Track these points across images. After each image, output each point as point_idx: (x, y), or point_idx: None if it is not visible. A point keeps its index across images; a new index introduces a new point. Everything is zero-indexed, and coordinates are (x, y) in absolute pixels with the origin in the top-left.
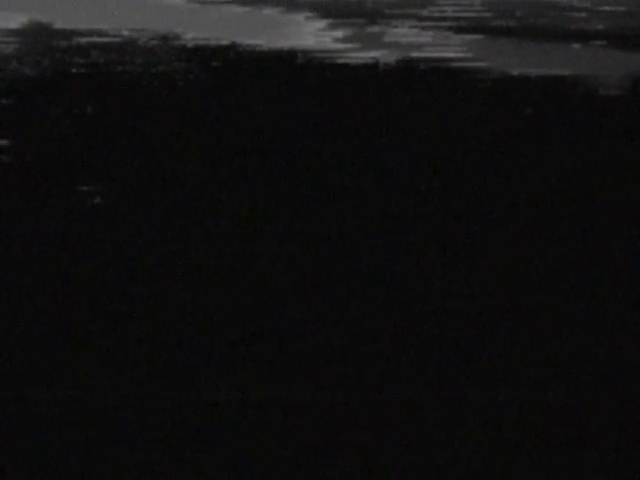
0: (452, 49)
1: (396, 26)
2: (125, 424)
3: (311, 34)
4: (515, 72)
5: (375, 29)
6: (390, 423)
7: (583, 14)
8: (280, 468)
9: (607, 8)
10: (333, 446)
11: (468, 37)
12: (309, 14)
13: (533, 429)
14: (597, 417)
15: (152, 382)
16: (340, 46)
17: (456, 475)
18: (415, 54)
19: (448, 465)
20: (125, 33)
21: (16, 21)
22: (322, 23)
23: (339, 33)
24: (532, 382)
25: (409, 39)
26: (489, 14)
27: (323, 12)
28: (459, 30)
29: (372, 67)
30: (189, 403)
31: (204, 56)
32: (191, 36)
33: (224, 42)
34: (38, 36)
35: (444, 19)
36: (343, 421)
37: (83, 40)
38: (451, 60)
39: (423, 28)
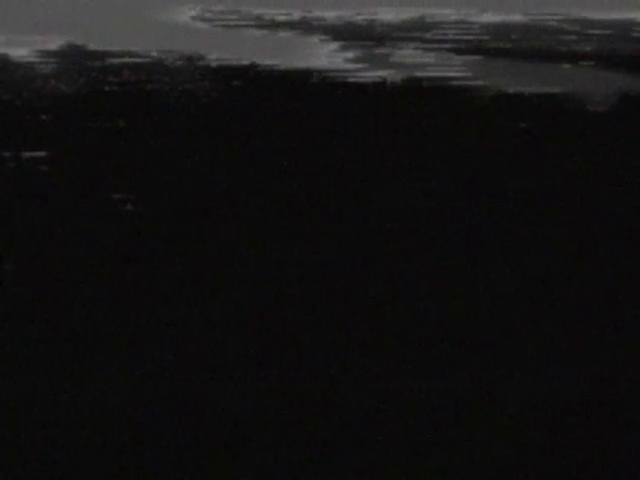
0: (453, 69)
1: (402, 48)
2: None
3: (324, 55)
4: (510, 90)
5: (383, 50)
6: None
7: (573, 37)
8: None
9: (595, 32)
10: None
11: (468, 58)
12: (323, 37)
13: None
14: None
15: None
16: (351, 66)
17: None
18: (419, 73)
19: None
20: (154, 54)
21: (55, 43)
22: (334, 45)
23: (350, 54)
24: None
25: (413, 59)
26: (487, 37)
27: (335, 35)
28: (459, 51)
29: (380, 85)
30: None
31: (226, 75)
32: (215, 57)
33: (245, 62)
34: (74, 57)
35: (446, 41)
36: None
37: (116, 61)
38: (452, 79)
39: (426, 49)
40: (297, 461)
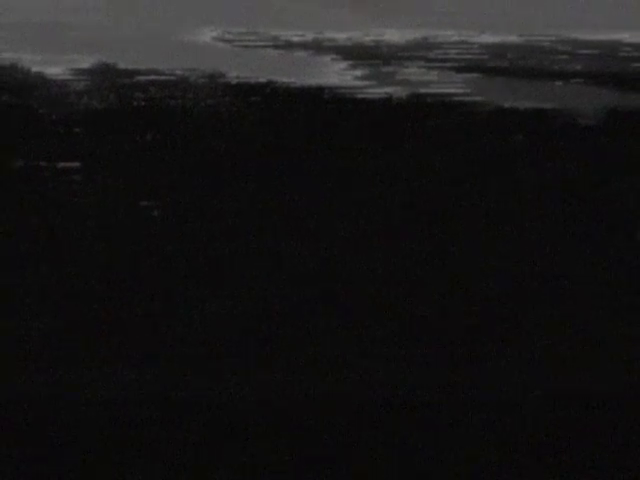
0: (454, 86)
1: (407, 66)
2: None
3: (335, 73)
4: (507, 105)
5: (389, 69)
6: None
7: (564, 56)
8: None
9: (585, 51)
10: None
11: (467, 75)
12: (333, 56)
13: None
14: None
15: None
16: (360, 83)
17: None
18: (423, 90)
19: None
20: (179, 72)
21: (87, 62)
22: (344, 64)
23: (359, 72)
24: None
25: (418, 77)
26: (485, 56)
27: (345, 54)
28: (460, 69)
29: (386, 101)
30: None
31: (245, 92)
32: (234, 75)
33: (262, 80)
34: (105, 75)
35: (447, 60)
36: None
37: (143, 78)
38: (453, 95)
39: (429, 68)
40: (295, 457)
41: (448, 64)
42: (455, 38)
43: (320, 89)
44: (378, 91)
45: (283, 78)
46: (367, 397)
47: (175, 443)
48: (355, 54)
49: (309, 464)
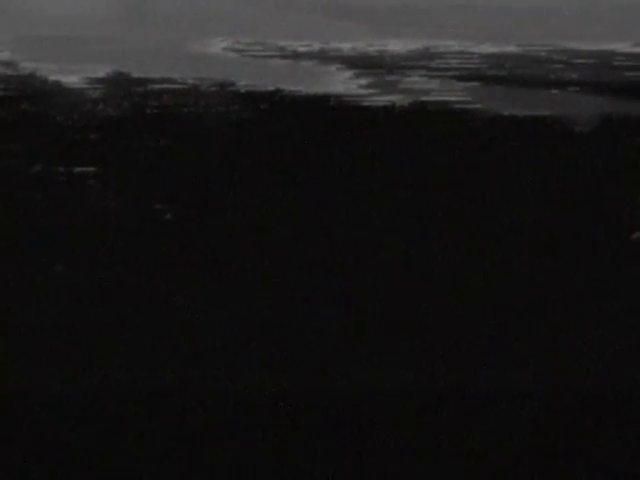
0: (455, 94)
1: (409, 75)
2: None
3: (341, 82)
4: (505, 112)
5: (392, 78)
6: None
7: (560, 66)
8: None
9: (580, 61)
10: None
11: (468, 84)
12: (339, 65)
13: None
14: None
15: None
16: (364, 91)
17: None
18: (424, 98)
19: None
20: (190, 81)
21: (102, 71)
22: (349, 73)
23: (363, 81)
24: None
25: (420, 86)
26: (485, 65)
27: (350, 64)
28: (460, 78)
29: (390, 108)
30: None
31: (254, 99)
32: (244, 83)
33: (270, 88)
34: (119, 83)
35: (448, 69)
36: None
37: (156, 86)
38: (454, 102)
39: (431, 77)
40: (289, 450)
41: (449, 73)
42: (456, 48)
43: (326, 97)
44: (382, 99)
45: (290, 86)
46: (367, 396)
47: (174, 441)
48: (359, 63)
49: (309, 463)
